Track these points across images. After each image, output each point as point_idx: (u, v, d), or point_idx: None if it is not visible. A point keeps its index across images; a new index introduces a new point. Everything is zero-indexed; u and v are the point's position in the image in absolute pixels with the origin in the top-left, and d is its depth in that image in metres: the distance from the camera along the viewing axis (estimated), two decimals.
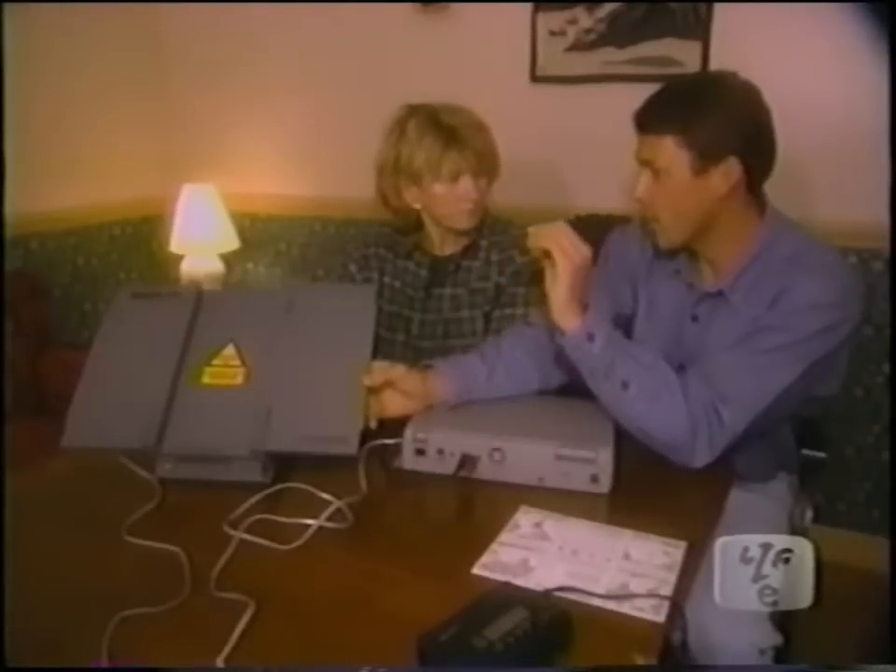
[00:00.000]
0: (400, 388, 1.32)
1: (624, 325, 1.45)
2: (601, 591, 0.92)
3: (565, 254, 1.20)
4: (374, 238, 1.78)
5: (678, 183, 1.25)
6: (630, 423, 1.23)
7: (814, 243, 1.30)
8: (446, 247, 1.71)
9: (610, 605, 0.90)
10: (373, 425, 1.30)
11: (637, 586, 0.94)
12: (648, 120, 1.26)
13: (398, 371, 1.32)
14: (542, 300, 1.57)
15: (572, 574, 0.96)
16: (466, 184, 1.59)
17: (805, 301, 1.21)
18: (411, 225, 1.73)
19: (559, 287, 1.22)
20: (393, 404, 1.32)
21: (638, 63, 2.25)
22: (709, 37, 2.16)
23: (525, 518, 1.10)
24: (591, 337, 1.22)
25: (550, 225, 1.24)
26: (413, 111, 1.63)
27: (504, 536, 1.05)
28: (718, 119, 1.22)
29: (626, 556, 1.00)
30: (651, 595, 0.91)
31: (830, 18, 1.98)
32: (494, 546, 1.03)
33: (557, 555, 1.01)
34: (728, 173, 1.24)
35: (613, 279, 1.47)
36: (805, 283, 1.22)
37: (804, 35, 2.07)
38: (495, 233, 1.68)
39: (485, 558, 1.00)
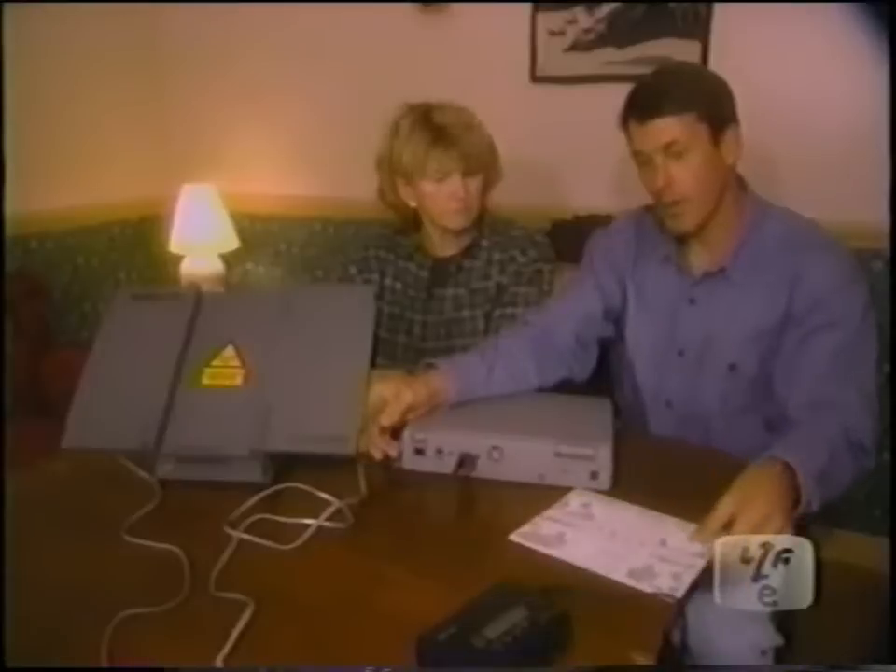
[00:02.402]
0: (413, 406, 1.28)
1: (615, 317, 1.50)
2: (623, 571, 0.94)
3: None
4: (374, 240, 1.78)
5: (702, 157, 1.28)
6: None
7: (797, 217, 1.36)
8: (447, 248, 1.71)
9: (629, 581, 0.92)
10: (394, 453, 1.24)
11: (661, 569, 0.94)
12: (658, 105, 1.27)
13: (406, 397, 1.25)
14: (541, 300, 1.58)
15: (601, 552, 0.98)
16: (453, 183, 1.59)
17: (834, 285, 1.27)
18: (410, 225, 1.73)
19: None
20: (403, 417, 1.27)
21: (638, 63, 2.24)
22: (709, 37, 2.15)
23: (577, 498, 1.13)
24: (810, 504, 1.08)
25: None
26: (409, 109, 1.63)
27: (550, 511, 1.09)
28: (715, 91, 1.31)
29: (663, 543, 1.01)
30: (658, 586, 0.91)
31: (830, 18, 1.98)
32: (537, 519, 1.07)
33: (594, 534, 1.03)
34: (736, 138, 1.31)
35: (599, 274, 1.50)
36: (822, 268, 1.28)
37: (803, 34, 2.07)
38: (496, 233, 1.68)
39: (526, 528, 1.04)
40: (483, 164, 1.62)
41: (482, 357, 1.40)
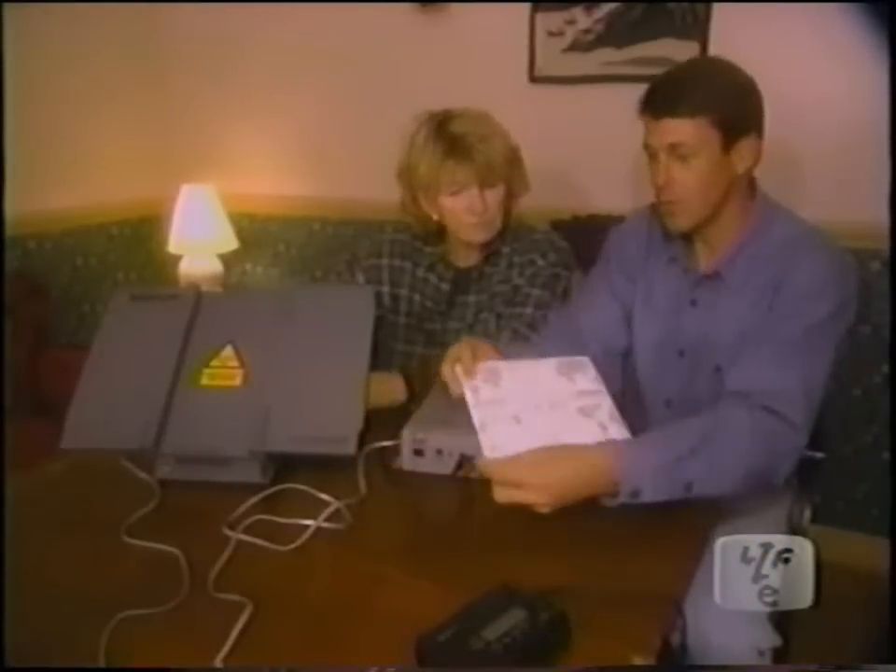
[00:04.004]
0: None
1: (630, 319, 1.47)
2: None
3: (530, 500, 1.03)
4: (388, 247, 1.70)
5: (708, 163, 1.25)
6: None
7: (804, 224, 1.33)
8: (470, 259, 1.64)
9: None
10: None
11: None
12: (673, 104, 1.24)
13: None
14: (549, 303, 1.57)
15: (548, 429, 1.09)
16: (470, 196, 1.52)
17: (813, 282, 1.24)
18: (433, 234, 1.66)
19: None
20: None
21: (637, 64, 2.25)
22: (707, 38, 2.15)
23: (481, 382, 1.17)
24: (637, 494, 1.07)
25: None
26: (428, 118, 1.56)
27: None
28: (738, 96, 1.25)
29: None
30: None
31: (829, 18, 1.98)
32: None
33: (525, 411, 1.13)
34: (750, 148, 1.27)
35: (615, 278, 1.48)
36: (807, 266, 1.24)
37: (802, 35, 2.07)
38: (517, 239, 1.62)
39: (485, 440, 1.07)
40: (501, 175, 1.54)
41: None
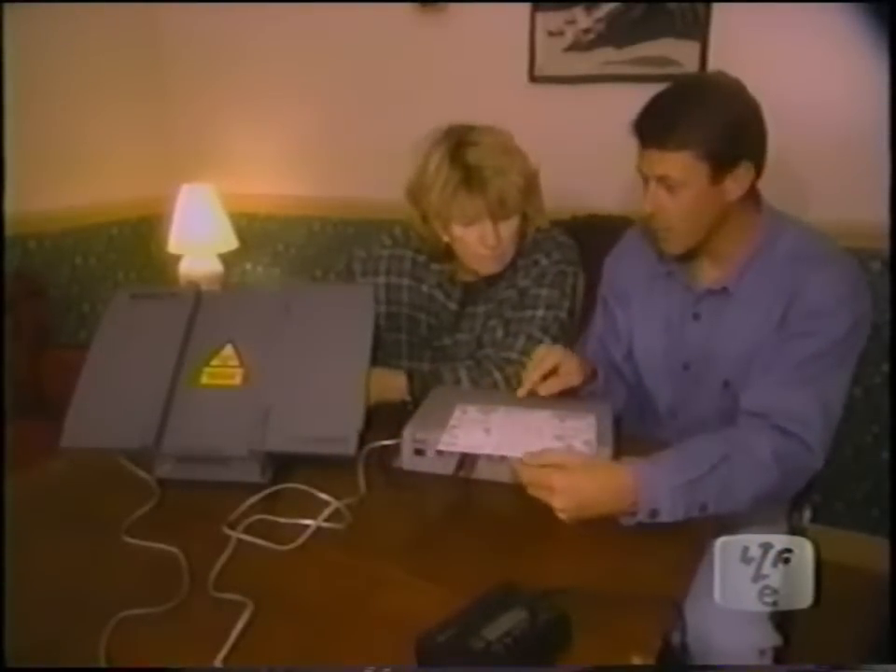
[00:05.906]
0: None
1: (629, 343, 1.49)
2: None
3: (556, 505, 1.05)
4: (385, 264, 1.65)
5: (695, 194, 1.23)
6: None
7: (813, 234, 1.31)
8: (478, 276, 1.59)
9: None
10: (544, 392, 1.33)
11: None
12: (659, 136, 1.22)
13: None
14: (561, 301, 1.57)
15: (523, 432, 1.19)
16: (483, 228, 1.46)
17: (827, 299, 1.22)
18: (441, 252, 1.59)
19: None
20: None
21: (637, 64, 2.25)
22: (708, 38, 2.15)
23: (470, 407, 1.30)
24: (655, 514, 1.07)
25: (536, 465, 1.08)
26: (444, 137, 1.49)
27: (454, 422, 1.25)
28: (730, 127, 1.21)
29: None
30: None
31: (829, 17, 1.98)
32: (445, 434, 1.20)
33: (507, 424, 1.24)
34: (743, 177, 1.24)
35: (612, 315, 1.50)
36: (820, 282, 1.23)
37: (803, 34, 2.07)
38: (520, 240, 1.58)
39: (445, 438, 1.19)
40: (516, 208, 1.48)
41: None
